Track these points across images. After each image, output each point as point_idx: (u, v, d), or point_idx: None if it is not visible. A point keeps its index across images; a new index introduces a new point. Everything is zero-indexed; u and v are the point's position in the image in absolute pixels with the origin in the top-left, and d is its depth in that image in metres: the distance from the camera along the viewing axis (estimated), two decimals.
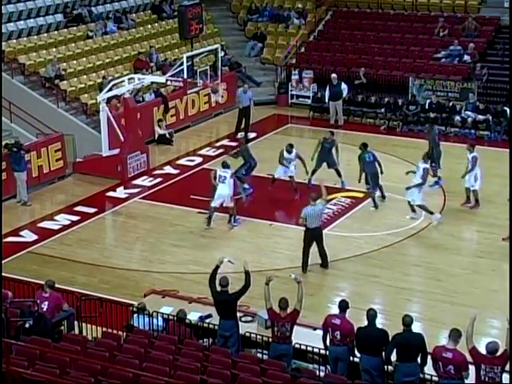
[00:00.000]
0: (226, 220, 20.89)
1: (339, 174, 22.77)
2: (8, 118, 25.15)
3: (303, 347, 13.34)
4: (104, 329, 14.66)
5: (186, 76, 23.55)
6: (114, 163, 24.23)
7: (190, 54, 24.81)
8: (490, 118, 27.36)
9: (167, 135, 27.43)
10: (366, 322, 12.87)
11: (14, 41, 28.10)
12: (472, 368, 11.96)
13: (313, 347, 13.25)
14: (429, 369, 12.34)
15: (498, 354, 11.77)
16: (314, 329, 14.12)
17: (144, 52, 30.34)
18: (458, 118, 27.78)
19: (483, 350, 11.95)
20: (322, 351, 13.19)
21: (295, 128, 29.23)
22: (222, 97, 27.01)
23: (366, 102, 29.35)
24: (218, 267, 14.33)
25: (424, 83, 29.14)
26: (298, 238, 18.71)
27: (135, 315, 14.50)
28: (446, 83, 28.95)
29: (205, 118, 29.73)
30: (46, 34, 29.15)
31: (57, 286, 15.14)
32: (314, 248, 18.43)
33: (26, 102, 25.95)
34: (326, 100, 28.93)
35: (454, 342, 12.01)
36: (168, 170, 25.20)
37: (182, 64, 23.80)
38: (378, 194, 21.95)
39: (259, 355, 13.42)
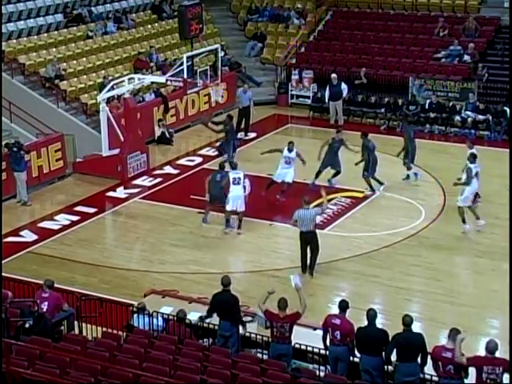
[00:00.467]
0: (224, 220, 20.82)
1: (335, 175, 22.86)
2: (8, 117, 25.14)
3: (303, 347, 13.34)
4: (104, 329, 14.66)
5: (185, 76, 23.55)
6: (114, 163, 24.23)
7: (189, 53, 24.80)
8: (490, 118, 27.36)
9: (167, 134, 27.42)
10: (366, 322, 12.87)
11: (14, 41, 28.11)
12: (472, 369, 11.94)
13: (313, 347, 13.25)
14: (429, 369, 12.34)
15: (498, 354, 11.77)
16: (314, 329, 14.13)
17: (144, 52, 30.35)
18: (458, 118, 27.78)
19: (482, 352, 11.95)
20: (322, 351, 13.19)
21: (295, 128, 29.24)
22: (222, 97, 27.01)
23: (366, 102, 29.35)
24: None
25: (424, 83, 29.14)
26: (298, 238, 18.69)
27: (135, 315, 14.50)
28: (446, 83, 28.95)
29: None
30: (45, 34, 29.15)
31: (57, 285, 15.14)
32: None
33: (26, 102, 25.95)
34: (326, 100, 28.95)
35: (453, 342, 12.01)
36: (168, 170, 25.20)
37: (181, 64, 23.80)
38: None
39: (259, 355, 13.42)
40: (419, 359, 12.39)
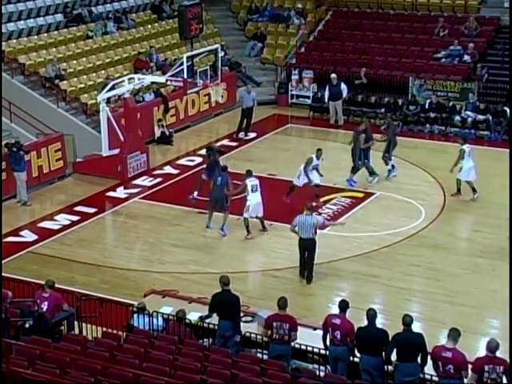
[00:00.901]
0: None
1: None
2: (8, 118, 25.15)
3: (303, 347, 13.34)
4: (104, 329, 14.66)
5: (185, 76, 23.56)
6: (114, 163, 24.23)
7: (189, 54, 24.84)
8: (490, 117, 27.36)
9: (166, 133, 27.43)
10: (366, 322, 12.86)
11: (14, 41, 28.10)
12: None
13: (313, 347, 13.24)
14: (429, 369, 12.33)
15: (498, 354, 11.77)
16: (314, 329, 14.12)
17: (144, 52, 30.35)
18: (457, 117, 27.79)
19: (483, 351, 11.95)
20: (322, 351, 13.19)
21: (295, 128, 29.24)
22: (222, 97, 27.01)
23: (366, 102, 29.35)
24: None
25: (424, 83, 29.15)
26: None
27: (135, 315, 14.49)
28: (446, 83, 28.96)
29: (205, 117, 29.74)
30: (46, 34, 29.15)
31: (57, 285, 15.12)
32: None
33: (26, 101, 25.94)
34: (326, 100, 28.96)
35: (453, 342, 12.01)
36: (168, 169, 25.20)
37: (181, 64, 23.82)
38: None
39: (259, 355, 13.42)
40: (419, 359, 12.39)
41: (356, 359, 12.88)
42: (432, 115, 28.10)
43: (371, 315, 12.83)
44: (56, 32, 29.47)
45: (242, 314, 14.23)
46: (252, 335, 13.69)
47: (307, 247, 17.88)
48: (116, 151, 24.55)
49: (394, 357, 12.50)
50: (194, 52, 25.59)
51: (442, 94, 28.84)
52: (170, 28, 32.55)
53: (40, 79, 27.52)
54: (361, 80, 29.55)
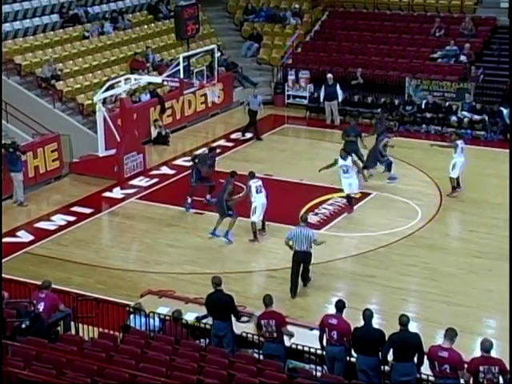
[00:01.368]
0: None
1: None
2: (4, 118, 25.11)
3: (300, 347, 13.34)
4: (100, 329, 14.65)
5: (182, 76, 23.56)
6: (111, 163, 24.22)
7: (186, 54, 24.83)
8: (486, 118, 27.39)
9: (163, 133, 27.42)
10: (362, 322, 12.87)
11: (10, 41, 28.05)
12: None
13: (309, 347, 13.24)
14: (425, 368, 12.34)
15: (494, 355, 11.77)
16: (311, 329, 14.14)
17: (140, 52, 30.33)
18: (454, 118, 27.82)
19: (478, 351, 11.96)
20: (319, 351, 13.19)
21: (292, 128, 29.24)
22: (219, 97, 27.00)
23: (362, 102, 29.37)
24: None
25: (420, 83, 29.17)
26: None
27: (132, 316, 14.49)
28: (443, 83, 28.98)
29: (201, 118, 29.74)
30: (42, 35, 29.12)
31: (53, 286, 15.11)
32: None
33: (22, 102, 25.89)
34: (321, 100, 28.99)
35: (449, 341, 12.02)
36: (164, 170, 25.20)
37: (178, 64, 23.82)
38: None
39: (256, 355, 13.42)
40: (416, 359, 12.40)
41: (352, 359, 12.88)
42: (428, 115, 28.14)
43: (368, 315, 12.83)
44: (52, 32, 29.45)
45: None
46: (248, 335, 13.69)
47: (303, 260, 17.37)
48: (112, 151, 24.54)
49: (390, 357, 12.51)
50: (191, 52, 25.59)
51: (438, 95, 28.85)
52: (166, 28, 32.54)
53: (36, 79, 27.48)
54: (357, 80, 29.58)
